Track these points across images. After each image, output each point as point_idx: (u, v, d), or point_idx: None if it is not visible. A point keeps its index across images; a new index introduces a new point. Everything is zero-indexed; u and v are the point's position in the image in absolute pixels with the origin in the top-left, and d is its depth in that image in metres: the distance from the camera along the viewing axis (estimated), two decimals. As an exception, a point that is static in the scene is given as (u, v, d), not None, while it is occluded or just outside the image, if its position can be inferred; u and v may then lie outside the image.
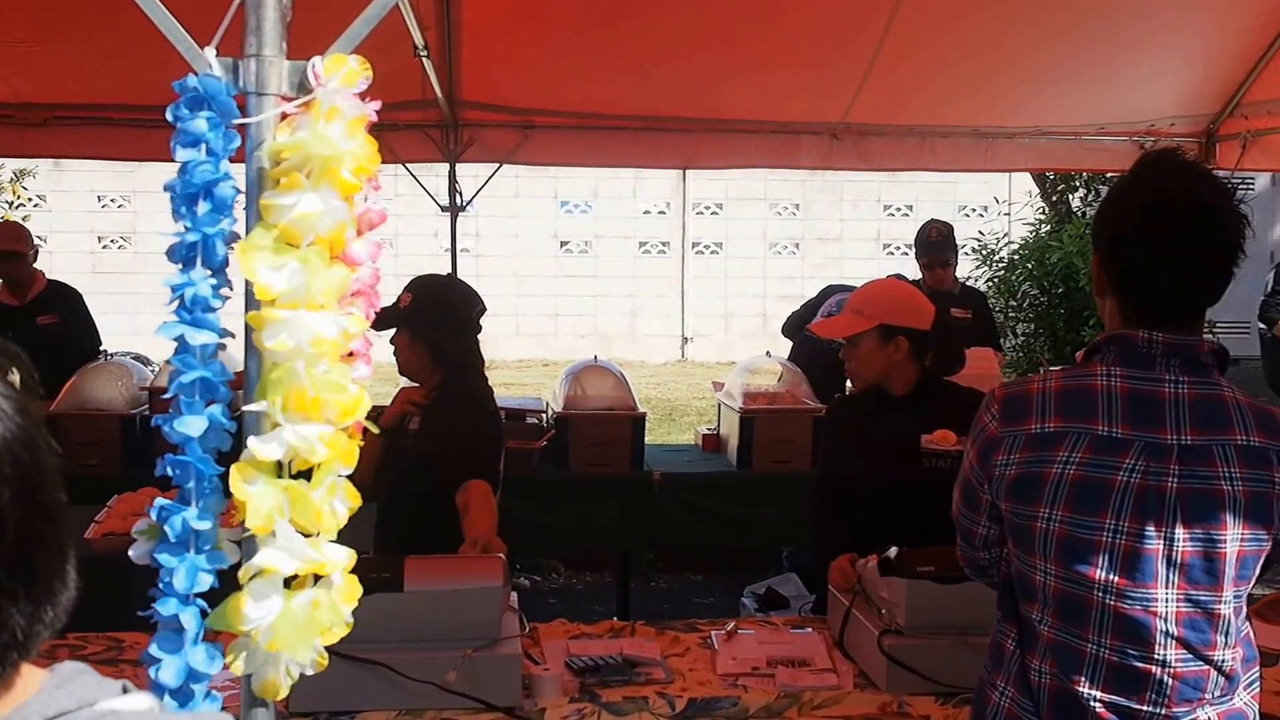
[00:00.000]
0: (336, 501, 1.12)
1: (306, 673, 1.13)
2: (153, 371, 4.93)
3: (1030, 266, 9.29)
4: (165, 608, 1.09)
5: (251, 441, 1.07)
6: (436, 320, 2.87)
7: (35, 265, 5.17)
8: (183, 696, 1.12)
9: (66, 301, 5.21)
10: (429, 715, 2.06)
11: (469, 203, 5.49)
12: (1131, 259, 1.60)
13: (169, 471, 1.10)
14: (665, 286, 14.41)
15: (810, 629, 2.51)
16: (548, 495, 4.44)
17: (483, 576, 2.17)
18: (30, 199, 12.26)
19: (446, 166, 5.30)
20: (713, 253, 14.51)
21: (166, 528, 1.08)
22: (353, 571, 1.15)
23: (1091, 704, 1.54)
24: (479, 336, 3.01)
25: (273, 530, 1.08)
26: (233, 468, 1.07)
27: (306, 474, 1.12)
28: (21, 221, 12.04)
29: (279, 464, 1.09)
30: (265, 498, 1.07)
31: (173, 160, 1.06)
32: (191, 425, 1.06)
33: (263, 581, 1.08)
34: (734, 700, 2.16)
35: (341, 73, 1.03)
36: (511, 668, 2.11)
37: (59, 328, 5.04)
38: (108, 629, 2.53)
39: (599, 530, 4.59)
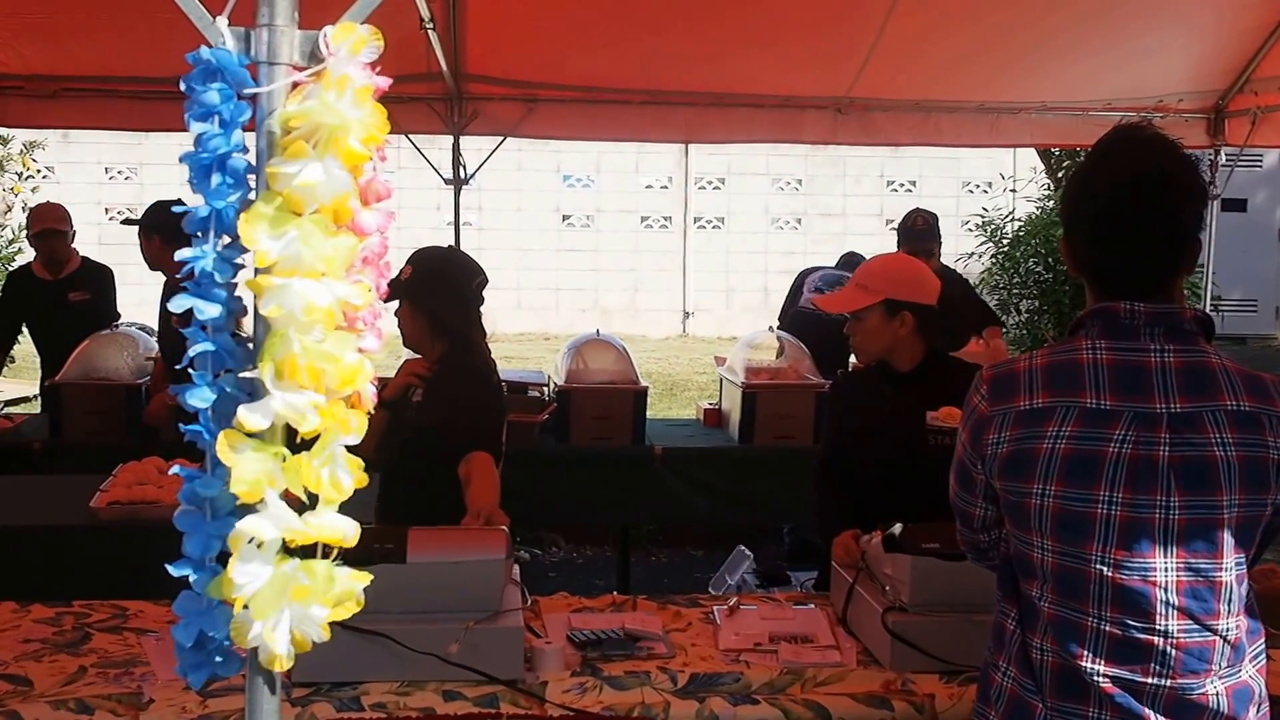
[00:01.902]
0: (339, 472, 1.11)
1: (314, 638, 1.13)
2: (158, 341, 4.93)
3: (1035, 243, 9.27)
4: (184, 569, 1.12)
5: (240, 409, 1.07)
6: (436, 291, 2.87)
7: (73, 244, 5.24)
8: (208, 654, 1.15)
9: (98, 279, 5.27)
10: (430, 687, 2.06)
11: (472, 176, 5.47)
12: (1090, 240, 1.62)
13: (201, 440, 1.11)
14: (667, 261, 14.37)
15: (813, 605, 2.52)
16: (549, 468, 4.45)
17: (485, 549, 2.18)
18: (39, 170, 12.25)
19: (450, 139, 5.29)
20: (714, 227, 14.47)
21: (180, 495, 1.11)
22: (355, 543, 1.15)
23: (1095, 679, 1.54)
24: (481, 308, 3.01)
25: (261, 499, 1.08)
26: (221, 435, 1.08)
27: (312, 444, 1.12)
28: (24, 193, 12.04)
29: (284, 432, 1.10)
30: (251, 464, 1.07)
31: (181, 131, 1.06)
32: (198, 398, 1.07)
33: (249, 548, 1.09)
34: (736, 676, 2.17)
35: (351, 40, 1.02)
36: (513, 641, 2.12)
37: (89, 304, 5.10)
38: (113, 597, 2.54)
39: (599, 504, 4.61)
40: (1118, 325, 1.60)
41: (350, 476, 1.13)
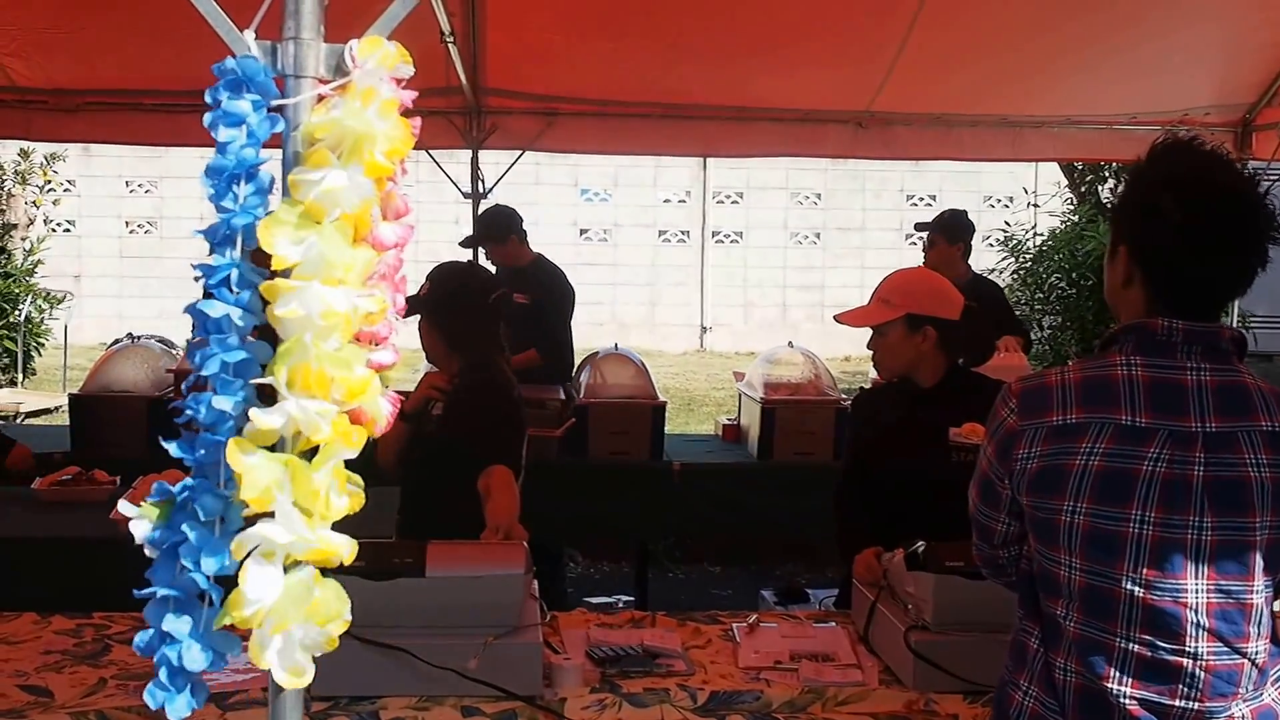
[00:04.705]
0: (333, 491, 1.08)
1: (319, 652, 1.10)
2: (178, 354, 4.96)
3: (1058, 258, 9.20)
4: (194, 585, 1.07)
5: (253, 411, 1.06)
6: (451, 307, 2.89)
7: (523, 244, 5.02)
8: (199, 687, 1.10)
9: (540, 282, 4.99)
10: (449, 702, 2.05)
11: (491, 189, 5.49)
12: (1172, 250, 1.57)
13: (194, 453, 1.08)
14: (684, 275, 14.38)
15: (834, 623, 2.50)
16: (567, 483, 4.44)
17: (505, 563, 2.17)
18: (61, 183, 12.38)
19: (468, 153, 5.30)
20: (733, 242, 14.47)
21: (198, 506, 1.07)
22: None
23: (1121, 700, 1.52)
24: (501, 323, 3.01)
25: (271, 508, 1.06)
26: (232, 440, 1.05)
27: (311, 457, 1.09)
28: (52, 205, 12.08)
29: (282, 440, 1.08)
30: (263, 471, 1.05)
31: (203, 145, 1.05)
32: (226, 403, 1.06)
33: (258, 560, 1.06)
34: (756, 694, 2.15)
35: (378, 54, 1.02)
36: (532, 656, 2.11)
37: (528, 309, 4.65)
38: (132, 609, 2.54)
39: (617, 519, 4.60)
40: (1154, 342, 1.57)
41: (344, 496, 1.10)
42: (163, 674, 1.08)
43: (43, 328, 11.10)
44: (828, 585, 4.60)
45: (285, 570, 1.08)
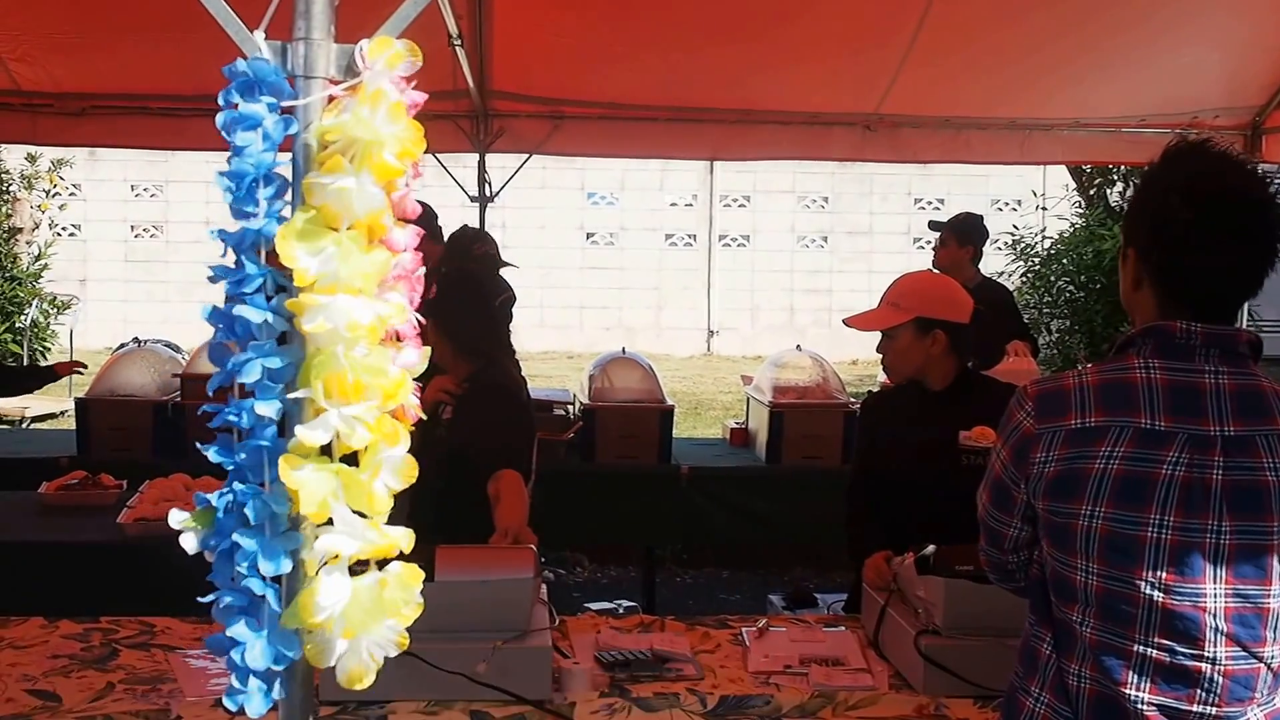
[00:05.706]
0: (381, 482, 1.12)
1: (390, 654, 1.13)
2: (184, 358, 4.96)
3: (1066, 262, 9.17)
4: (251, 589, 1.10)
5: (299, 429, 1.06)
6: (458, 311, 2.89)
7: None
8: (268, 679, 1.12)
9: None
10: (458, 707, 2.05)
11: (497, 193, 5.49)
12: (1181, 249, 1.57)
13: (233, 457, 1.10)
14: (691, 279, 14.38)
15: (844, 627, 2.49)
16: (574, 487, 4.43)
17: (514, 568, 2.16)
18: (66, 187, 12.41)
19: (475, 157, 5.30)
20: (739, 245, 14.46)
21: (248, 511, 1.09)
22: (409, 550, 1.15)
23: (1138, 705, 1.51)
24: (510, 326, 3.01)
25: (329, 517, 1.08)
26: (281, 458, 1.07)
27: (351, 459, 1.12)
28: (58, 209, 12.13)
29: (326, 449, 1.09)
30: (317, 484, 1.06)
31: (209, 149, 1.05)
32: (269, 409, 1.07)
33: (329, 569, 1.08)
34: (766, 698, 2.14)
35: (387, 55, 1.02)
36: (541, 661, 2.10)
37: None
38: (139, 613, 2.54)
39: (625, 523, 4.59)
40: (1172, 345, 1.56)
41: (397, 483, 1.13)
42: (234, 677, 1.12)
43: (48, 332, 11.13)
44: (836, 589, 4.58)
45: (352, 573, 1.10)
